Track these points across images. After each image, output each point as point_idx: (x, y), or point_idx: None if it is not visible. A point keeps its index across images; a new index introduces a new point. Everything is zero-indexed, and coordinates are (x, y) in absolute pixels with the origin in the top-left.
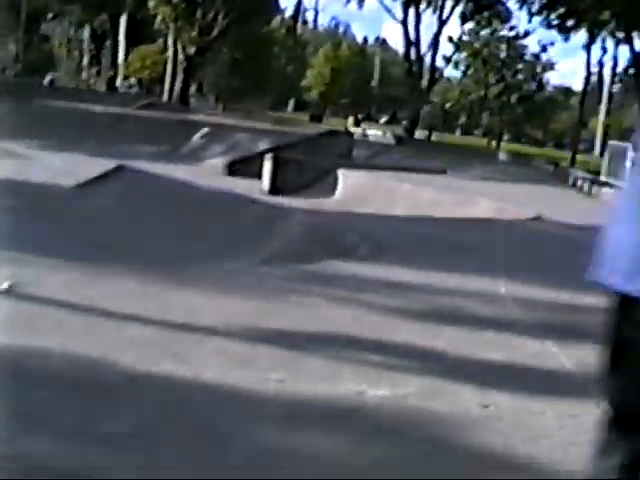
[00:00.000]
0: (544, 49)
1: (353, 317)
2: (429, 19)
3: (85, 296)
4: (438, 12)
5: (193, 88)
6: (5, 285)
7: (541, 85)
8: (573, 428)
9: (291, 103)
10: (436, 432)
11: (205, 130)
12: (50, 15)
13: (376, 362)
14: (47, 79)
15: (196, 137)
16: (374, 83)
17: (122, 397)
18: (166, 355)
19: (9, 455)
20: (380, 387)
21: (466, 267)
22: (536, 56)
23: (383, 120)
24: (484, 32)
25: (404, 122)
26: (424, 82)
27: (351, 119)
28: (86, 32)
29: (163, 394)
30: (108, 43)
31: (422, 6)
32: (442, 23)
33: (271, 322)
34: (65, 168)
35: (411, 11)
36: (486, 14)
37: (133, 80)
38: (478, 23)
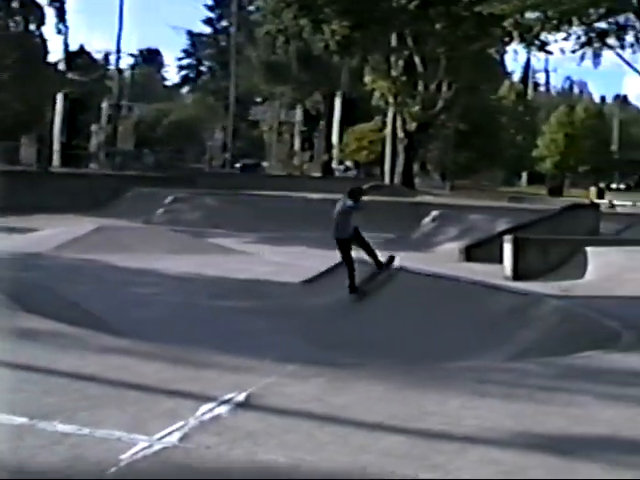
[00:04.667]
0: None
1: (628, 416)
2: None
3: (333, 404)
4: None
5: (416, 166)
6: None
7: None
8: None
9: (524, 176)
10: None
11: (435, 213)
12: (259, 99)
13: None
14: (240, 164)
15: (426, 221)
16: (614, 146)
17: None
18: (425, 466)
19: None
20: None
21: None
22: None
23: (626, 186)
24: None
25: None
26: None
27: (593, 189)
28: (297, 114)
29: None
30: (321, 124)
31: None
32: None
33: (537, 425)
34: (287, 262)
35: None
36: None
37: (349, 163)
38: None
